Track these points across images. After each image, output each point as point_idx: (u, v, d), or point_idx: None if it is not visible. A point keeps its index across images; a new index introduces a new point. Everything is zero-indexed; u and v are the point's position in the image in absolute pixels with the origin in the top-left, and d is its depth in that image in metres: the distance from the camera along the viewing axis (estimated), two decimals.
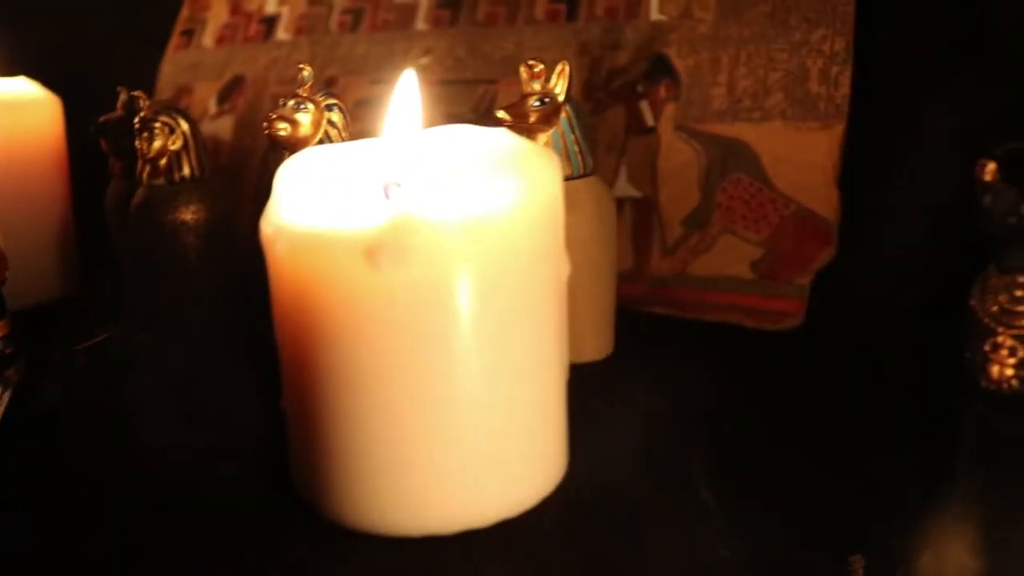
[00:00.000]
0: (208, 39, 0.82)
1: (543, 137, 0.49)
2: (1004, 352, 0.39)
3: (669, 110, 0.60)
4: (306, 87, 0.49)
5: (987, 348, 0.39)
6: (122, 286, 0.62)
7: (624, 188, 0.60)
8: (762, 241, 0.56)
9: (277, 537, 0.35)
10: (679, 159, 0.59)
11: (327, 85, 0.73)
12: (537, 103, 0.48)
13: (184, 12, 0.84)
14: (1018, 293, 0.39)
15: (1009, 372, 0.39)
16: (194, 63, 0.82)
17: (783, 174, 0.56)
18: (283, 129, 0.48)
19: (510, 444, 0.34)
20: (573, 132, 0.49)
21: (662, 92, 0.61)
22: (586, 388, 0.49)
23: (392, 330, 0.32)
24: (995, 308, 0.40)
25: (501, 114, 0.48)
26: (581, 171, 0.49)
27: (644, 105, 0.61)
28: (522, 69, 0.49)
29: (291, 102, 0.48)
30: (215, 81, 0.79)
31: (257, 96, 0.77)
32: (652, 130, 0.60)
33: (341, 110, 0.49)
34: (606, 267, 0.50)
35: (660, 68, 0.61)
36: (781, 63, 0.59)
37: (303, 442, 0.35)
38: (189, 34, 0.83)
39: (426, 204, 0.31)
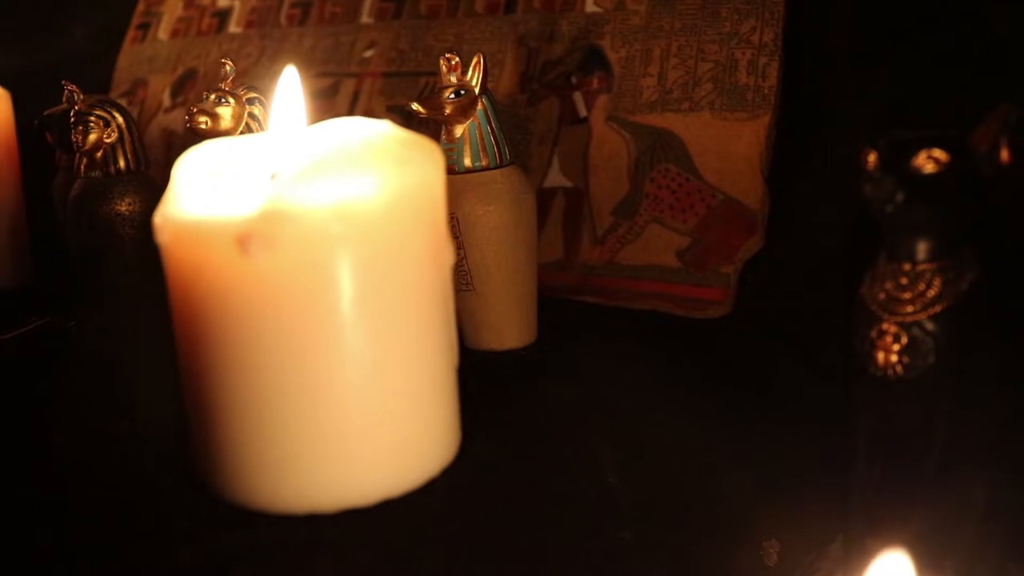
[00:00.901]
0: (163, 32, 0.83)
1: (460, 129, 0.50)
2: (889, 339, 0.40)
3: (601, 101, 0.62)
4: (227, 81, 0.50)
5: (873, 335, 0.41)
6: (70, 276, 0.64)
7: (556, 178, 0.62)
8: (689, 231, 0.57)
9: (170, 514, 0.36)
10: (610, 149, 0.60)
11: (275, 78, 0.75)
12: (453, 95, 0.50)
13: (140, 6, 0.86)
14: (903, 281, 0.41)
15: (894, 359, 0.40)
16: (149, 56, 0.83)
17: (710, 164, 0.58)
18: (204, 122, 0.49)
19: (392, 425, 0.36)
20: (489, 123, 0.50)
21: (595, 83, 0.62)
22: (499, 373, 0.51)
23: (268, 316, 0.33)
24: (882, 295, 0.41)
25: (415, 106, 0.49)
26: (498, 161, 0.50)
27: (577, 96, 0.62)
28: (441, 62, 0.51)
29: (212, 96, 0.50)
30: (169, 74, 0.81)
31: (209, 88, 0.78)
32: (584, 120, 0.62)
33: (263, 104, 0.51)
34: (524, 255, 0.51)
35: (594, 60, 0.63)
36: (711, 54, 0.60)
37: (195, 425, 0.37)
38: (145, 27, 0.85)
39: (297, 192, 0.32)
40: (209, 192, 0.34)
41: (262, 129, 0.50)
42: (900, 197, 0.38)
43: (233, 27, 0.79)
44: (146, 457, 0.41)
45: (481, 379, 0.50)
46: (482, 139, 0.50)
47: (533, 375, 0.50)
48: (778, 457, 0.42)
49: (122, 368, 0.50)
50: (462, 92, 0.50)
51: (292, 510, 0.35)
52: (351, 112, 0.70)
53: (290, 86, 0.38)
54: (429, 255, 0.36)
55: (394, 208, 0.34)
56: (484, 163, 0.50)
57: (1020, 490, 0.40)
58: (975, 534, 0.40)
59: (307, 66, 0.74)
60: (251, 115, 0.50)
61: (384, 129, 0.37)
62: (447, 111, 0.49)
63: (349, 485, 0.35)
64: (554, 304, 0.58)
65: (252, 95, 0.50)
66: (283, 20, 0.77)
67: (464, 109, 0.50)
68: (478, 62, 0.50)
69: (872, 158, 0.39)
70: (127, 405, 0.46)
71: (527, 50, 0.65)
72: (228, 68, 0.50)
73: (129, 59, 0.85)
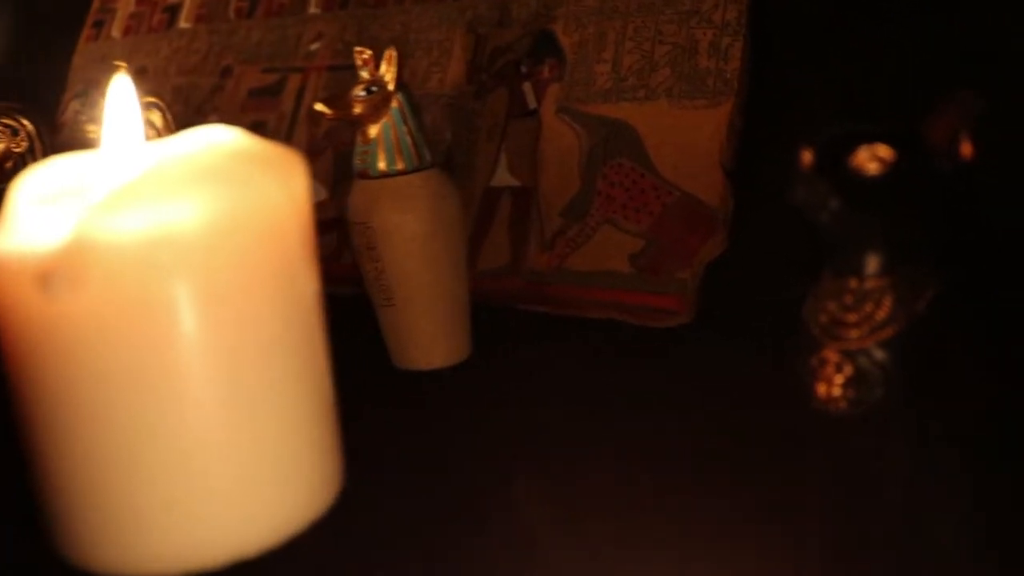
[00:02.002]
0: (116, 30, 0.79)
1: (373, 129, 0.45)
2: (831, 369, 0.34)
3: (552, 91, 0.56)
4: None
5: (814, 364, 0.35)
6: None
7: (503, 177, 0.56)
8: (643, 232, 0.52)
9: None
10: (560, 144, 0.55)
11: (223, 75, 0.70)
12: (363, 93, 0.45)
13: (95, 3, 0.82)
14: (848, 300, 0.35)
15: (836, 392, 0.34)
16: (103, 55, 0.79)
17: (667, 158, 0.52)
18: (93, 132, 0.45)
19: (244, 476, 0.31)
20: (406, 123, 0.45)
21: (546, 72, 0.57)
22: (417, 398, 0.46)
23: (83, 363, 0.29)
24: (824, 318, 0.35)
25: (319, 107, 0.44)
26: (415, 165, 0.45)
27: (527, 86, 0.57)
28: (355, 55, 0.46)
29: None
30: None
31: (159, 88, 0.74)
32: (534, 113, 0.56)
33: (160, 109, 0.46)
34: (449, 267, 0.46)
35: (545, 45, 0.57)
36: (669, 36, 0.54)
37: (36, 485, 0.32)
38: (99, 25, 0.81)
39: (105, 221, 0.28)
40: (15, 219, 0.29)
41: (160, 138, 0.46)
42: (835, 203, 0.32)
43: (183, 22, 0.75)
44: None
45: (393, 406, 0.45)
46: (397, 140, 0.45)
47: (457, 399, 0.45)
48: (736, 491, 0.37)
49: None
50: (374, 89, 0.45)
51: (133, 574, 0.31)
52: (297, 108, 0.65)
53: (124, 94, 0.33)
54: (282, 282, 0.31)
55: (227, 233, 0.29)
56: (400, 167, 0.45)
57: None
58: None
59: (253, 61, 0.69)
60: (148, 122, 0.46)
61: (232, 141, 0.32)
62: (357, 110, 0.44)
63: (195, 545, 0.31)
64: (498, 314, 0.53)
65: (149, 100, 0.46)
66: (231, 13, 0.72)
67: (377, 107, 0.45)
68: (391, 55, 0.45)
69: (807, 157, 0.34)
70: None
71: (476, 37, 0.60)
72: (121, 69, 0.45)
73: (84, 58, 0.81)
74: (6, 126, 0.53)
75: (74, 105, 0.62)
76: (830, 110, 0.51)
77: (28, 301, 0.28)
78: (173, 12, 0.76)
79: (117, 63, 0.46)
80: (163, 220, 0.28)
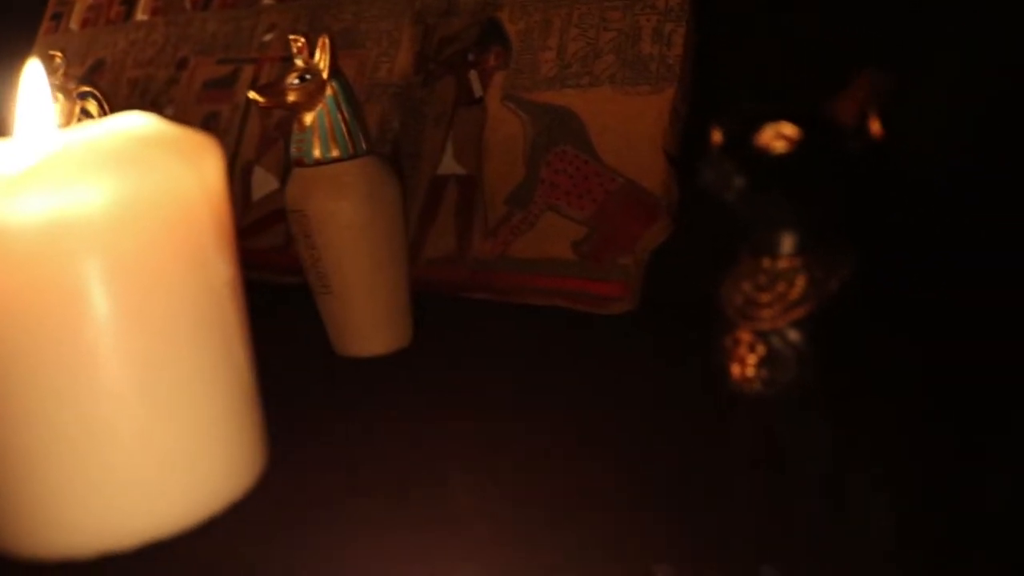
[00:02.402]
0: (74, 23, 0.79)
1: (309, 116, 0.45)
2: (744, 349, 0.34)
3: (498, 79, 0.56)
4: (57, 75, 0.46)
5: (728, 344, 0.35)
6: None
7: (449, 165, 0.56)
8: (586, 219, 0.52)
9: None
10: (505, 131, 0.55)
11: (179, 67, 0.70)
12: (297, 81, 0.45)
13: None
14: (761, 280, 0.35)
15: (750, 372, 0.34)
16: (61, 48, 0.79)
17: (609, 144, 0.52)
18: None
19: (155, 458, 0.32)
20: (340, 111, 0.45)
21: (492, 60, 0.57)
22: (353, 385, 0.46)
23: None
24: (739, 299, 0.35)
25: (253, 95, 0.44)
26: (351, 152, 0.45)
27: (473, 75, 0.57)
28: (291, 42, 0.46)
29: None
30: (79, 67, 0.77)
31: (116, 80, 0.74)
32: (480, 101, 0.56)
33: (97, 99, 0.46)
34: (386, 254, 0.46)
35: (492, 34, 0.57)
36: (614, 22, 0.54)
37: None
38: (57, 18, 0.81)
39: (8, 205, 0.28)
40: None
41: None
42: (739, 183, 0.33)
43: (140, 14, 0.75)
44: None
45: (327, 391, 0.46)
46: (332, 128, 0.45)
47: (393, 384, 0.45)
48: (667, 474, 0.37)
49: None
50: (308, 77, 0.45)
51: (45, 556, 0.31)
52: (250, 101, 0.65)
53: (36, 80, 0.34)
54: (195, 268, 0.32)
55: (133, 216, 0.30)
56: (335, 154, 0.45)
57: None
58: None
59: (208, 53, 0.69)
60: (84, 111, 0.46)
61: (144, 126, 0.33)
62: (291, 98, 0.45)
63: (108, 528, 0.31)
64: (443, 303, 0.53)
65: (84, 89, 0.46)
66: (187, 5, 0.72)
67: (311, 95, 0.45)
68: (324, 43, 0.45)
69: (715, 137, 0.34)
70: None
71: (424, 27, 0.60)
72: (58, 61, 0.46)
73: (43, 51, 0.81)
74: None
75: None
76: (779, 93, 0.52)
77: None
78: (131, 4, 0.76)
79: (52, 53, 0.46)
80: (66, 203, 0.28)
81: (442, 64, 0.58)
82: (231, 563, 0.32)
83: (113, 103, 0.74)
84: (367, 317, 0.46)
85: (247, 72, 0.66)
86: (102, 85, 0.50)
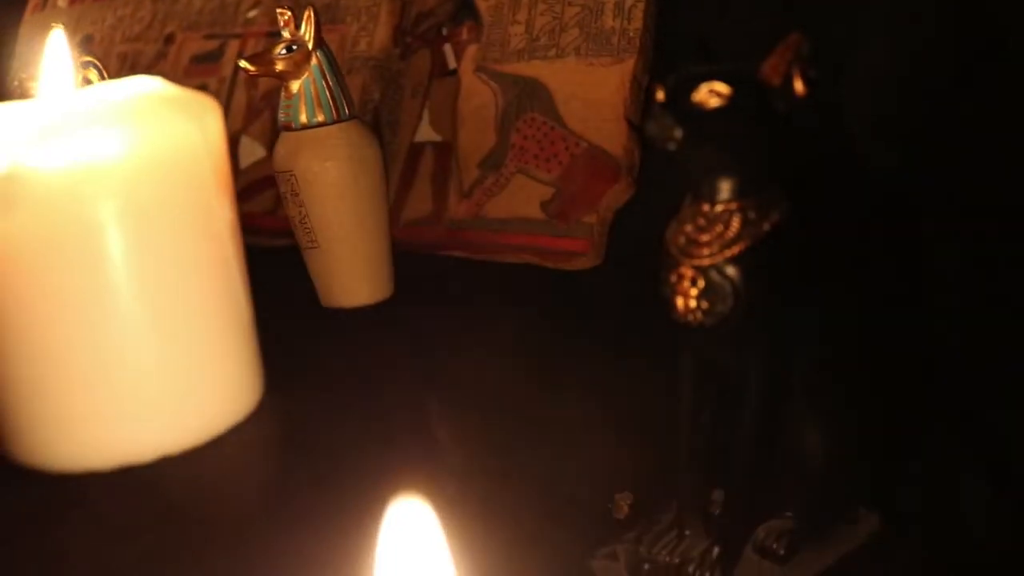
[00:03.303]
0: (62, 1, 0.83)
1: (295, 84, 0.50)
2: (687, 283, 0.39)
3: (471, 51, 0.61)
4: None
5: (672, 279, 0.40)
6: None
7: (426, 132, 0.61)
8: (553, 181, 0.57)
9: None
10: (477, 101, 0.60)
11: (166, 42, 0.74)
12: (284, 51, 0.49)
13: None
14: (701, 223, 0.40)
15: (692, 304, 0.39)
16: (50, 24, 0.83)
17: (574, 111, 0.57)
18: (32, 87, 0.49)
19: (169, 382, 0.36)
20: (325, 79, 0.50)
21: (464, 34, 0.61)
22: (339, 331, 0.51)
23: (19, 277, 0.33)
24: (681, 239, 0.40)
25: (244, 64, 0.49)
26: (335, 117, 0.50)
27: (447, 48, 0.62)
28: (277, 16, 0.50)
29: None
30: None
31: (105, 55, 0.78)
32: (454, 73, 0.61)
33: (97, 68, 0.50)
34: (369, 211, 0.51)
35: (464, 9, 0.62)
36: None
37: None
38: None
39: (34, 154, 0.32)
40: None
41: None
42: (678, 134, 0.37)
43: None
44: None
45: (315, 338, 0.50)
46: (317, 95, 0.50)
47: (377, 332, 0.50)
48: (629, 410, 0.42)
49: None
50: (294, 47, 0.49)
51: (72, 468, 0.36)
52: (236, 73, 0.70)
53: (58, 48, 0.38)
54: (200, 212, 0.36)
55: (149, 168, 0.34)
56: (320, 119, 0.50)
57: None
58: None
59: (195, 28, 0.73)
60: (86, 80, 0.50)
61: (152, 88, 0.37)
62: (278, 67, 0.49)
63: (125, 443, 0.36)
64: (421, 260, 0.58)
65: (86, 59, 0.50)
66: None
67: (298, 64, 0.49)
68: (309, 16, 0.49)
69: (659, 94, 0.39)
70: None
71: (401, 2, 0.64)
72: (58, 30, 0.50)
73: (31, 28, 0.85)
74: None
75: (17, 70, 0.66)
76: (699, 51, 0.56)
77: None
78: None
79: (54, 24, 0.50)
80: (87, 153, 0.33)
81: (418, 38, 0.63)
82: (236, 475, 0.37)
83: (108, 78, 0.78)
84: (352, 269, 0.51)
85: (233, 47, 0.71)
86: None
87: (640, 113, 0.58)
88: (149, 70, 0.74)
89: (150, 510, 0.34)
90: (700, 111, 0.37)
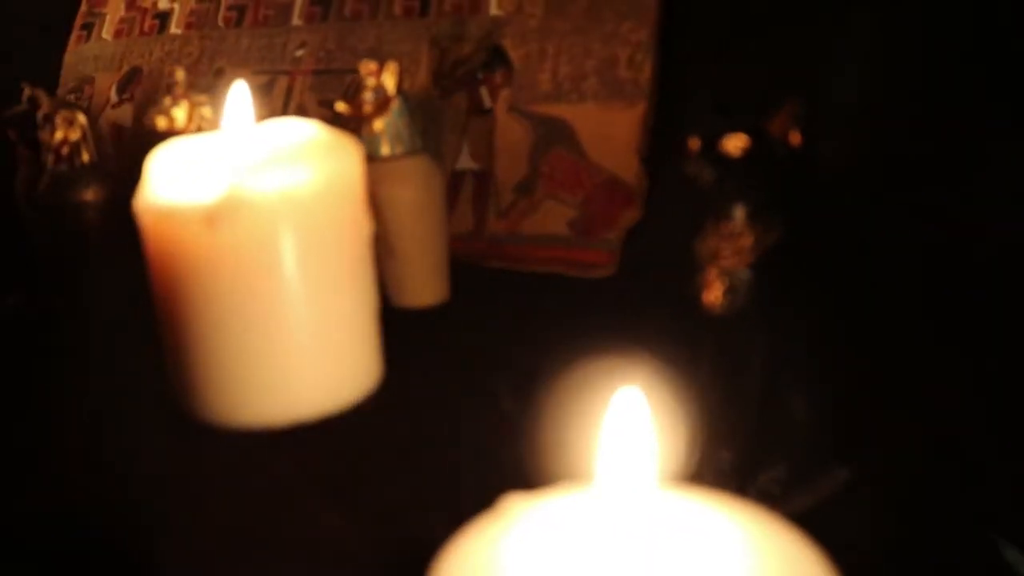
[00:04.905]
0: (107, 32, 0.94)
1: (379, 123, 0.62)
2: (714, 282, 0.53)
3: (504, 94, 0.74)
4: (180, 86, 0.62)
5: (701, 280, 0.54)
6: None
7: (466, 162, 0.74)
8: (577, 204, 0.71)
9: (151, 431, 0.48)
10: (511, 136, 0.73)
11: (216, 75, 0.86)
12: (372, 96, 0.62)
13: (83, 7, 0.96)
14: (724, 237, 0.54)
15: (716, 299, 0.53)
16: (95, 55, 0.94)
17: (595, 147, 0.71)
18: (162, 122, 0.60)
19: (326, 358, 0.48)
20: (403, 118, 0.62)
21: (498, 79, 0.75)
22: (416, 325, 0.63)
23: (229, 276, 0.45)
24: (708, 251, 0.54)
25: (341, 107, 0.61)
26: (411, 150, 0.63)
27: (483, 90, 0.75)
28: (360, 67, 0.63)
29: (167, 99, 0.61)
30: (114, 72, 0.91)
31: (153, 86, 0.89)
32: (490, 111, 0.74)
33: (211, 106, 0.62)
34: (434, 228, 0.64)
35: (497, 58, 0.75)
36: (596, 52, 0.73)
37: (173, 364, 0.49)
38: (88, 28, 0.95)
39: (252, 181, 0.44)
40: (179, 182, 0.46)
41: (211, 128, 0.62)
42: (710, 175, 0.52)
43: (174, 28, 0.90)
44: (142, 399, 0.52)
45: (401, 329, 0.63)
46: (397, 132, 0.62)
47: (443, 326, 0.63)
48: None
49: (93, 334, 0.62)
50: (379, 92, 0.62)
51: (252, 426, 0.47)
52: (286, 106, 0.82)
53: (239, 94, 0.50)
54: (351, 226, 0.49)
55: (324, 192, 0.46)
56: (399, 151, 0.62)
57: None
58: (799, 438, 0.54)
59: (243, 64, 0.85)
60: (201, 116, 0.62)
61: (313, 128, 0.50)
62: (367, 109, 0.61)
63: (297, 404, 0.48)
64: (465, 269, 0.71)
65: (202, 98, 0.62)
66: (220, 22, 0.88)
67: (381, 107, 0.62)
68: (393, 68, 0.62)
69: (693, 144, 0.53)
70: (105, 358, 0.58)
71: (439, 50, 0.77)
72: (180, 75, 0.61)
73: (75, 58, 0.95)
74: (65, 117, 0.68)
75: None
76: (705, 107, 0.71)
77: (199, 235, 0.45)
78: (164, 19, 0.91)
79: (174, 68, 0.62)
80: (289, 182, 0.45)
81: (456, 81, 0.76)
82: (378, 432, 0.49)
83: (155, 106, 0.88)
84: (421, 276, 0.64)
85: (281, 82, 0.83)
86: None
87: (648, 149, 0.72)
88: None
89: (329, 459, 0.46)
90: (726, 158, 0.51)
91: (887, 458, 0.54)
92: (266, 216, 0.45)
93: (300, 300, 0.47)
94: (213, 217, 0.44)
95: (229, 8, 0.88)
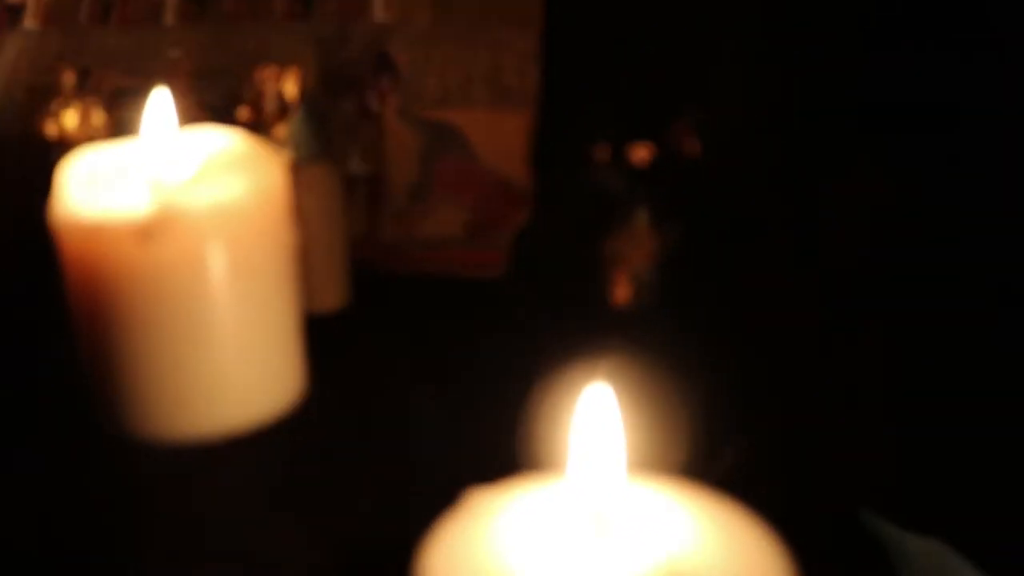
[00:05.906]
0: None
1: (281, 130, 0.63)
2: (620, 282, 0.57)
3: (392, 100, 0.76)
4: (69, 89, 0.60)
5: (612, 279, 0.58)
6: None
7: (357, 166, 0.75)
8: (470, 207, 0.73)
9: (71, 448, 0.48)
10: (402, 141, 0.75)
11: (82, 76, 0.83)
12: (273, 102, 0.62)
13: None
14: (631, 240, 0.58)
15: (623, 297, 0.57)
16: None
17: (486, 152, 0.74)
18: (50, 127, 0.59)
19: (256, 368, 0.49)
20: (308, 125, 0.63)
21: (385, 84, 0.76)
22: (330, 329, 0.65)
23: (157, 290, 0.45)
24: (616, 250, 0.58)
25: (243, 113, 0.61)
26: (315, 156, 0.64)
27: (371, 95, 0.76)
28: (258, 72, 0.63)
29: (54, 103, 0.60)
30: None
31: (8, 85, 0.85)
32: (378, 116, 0.76)
33: (131, 110, 0.61)
34: (336, 233, 0.65)
35: (384, 63, 0.77)
36: (483, 60, 0.75)
37: (95, 377, 0.48)
38: None
39: (183, 195, 0.45)
40: (103, 194, 0.46)
41: (103, 136, 0.61)
42: (620, 182, 0.56)
43: (29, 22, 0.86)
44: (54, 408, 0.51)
45: (311, 335, 0.64)
46: (301, 139, 0.63)
47: (351, 329, 0.64)
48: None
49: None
50: (279, 98, 0.62)
51: (181, 439, 0.48)
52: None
53: (160, 102, 0.50)
54: (279, 236, 0.50)
55: (255, 204, 0.47)
56: (303, 158, 0.63)
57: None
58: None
59: (112, 64, 0.82)
60: (90, 123, 0.61)
61: (234, 136, 0.50)
62: (268, 116, 0.62)
63: (223, 416, 0.48)
64: (362, 273, 0.72)
65: (94, 99, 0.61)
66: (83, 17, 0.85)
67: (282, 113, 0.62)
68: (295, 73, 0.63)
69: (602, 153, 0.57)
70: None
71: (325, 53, 0.78)
72: (68, 77, 0.60)
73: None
74: None
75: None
76: (605, 116, 0.75)
77: (126, 249, 0.45)
78: (16, 12, 0.87)
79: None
80: (220, 196, 0.46)
81: (344, 85, 0.77)
82: (314, 438, 0.50)
83: (12, 106, 0.85)
84: (326, 281, 0.65)
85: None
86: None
87: (537, 153, 0.75)
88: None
89: (263, 471, 0.47)
90: (633, 166, 0.56)
91: (786, 433, 0.60)
92: (199, 230, 0.45)
93: (229, 312, 0.48)
94: (146, 232, 0.45)
95: (93, 2, 0.85)
